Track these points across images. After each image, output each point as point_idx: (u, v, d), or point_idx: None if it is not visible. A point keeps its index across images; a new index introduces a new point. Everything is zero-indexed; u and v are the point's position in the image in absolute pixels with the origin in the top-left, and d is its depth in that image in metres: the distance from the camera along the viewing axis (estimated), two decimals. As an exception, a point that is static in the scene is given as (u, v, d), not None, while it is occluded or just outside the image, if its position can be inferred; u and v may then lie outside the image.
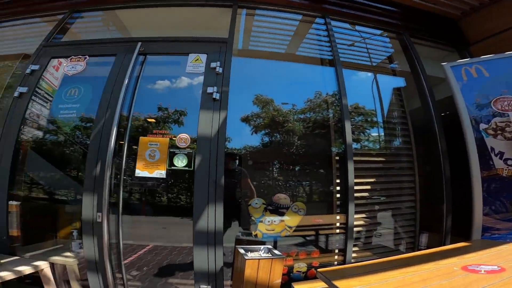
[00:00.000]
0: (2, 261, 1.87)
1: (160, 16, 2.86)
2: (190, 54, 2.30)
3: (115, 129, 2.04)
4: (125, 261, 2.21)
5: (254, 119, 2.78)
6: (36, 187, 2.64)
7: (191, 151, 2.13)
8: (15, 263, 1.91)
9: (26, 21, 3.04)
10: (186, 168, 2.13)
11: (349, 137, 2.36)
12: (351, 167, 2.32)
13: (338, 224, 2.42)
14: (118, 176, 2.11)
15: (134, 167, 2.09)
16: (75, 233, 2.20)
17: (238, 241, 2.28)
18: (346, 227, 2.28)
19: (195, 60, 2.30)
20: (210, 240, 2.05)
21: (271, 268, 1.80)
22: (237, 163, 2.68)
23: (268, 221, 2.38)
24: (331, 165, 2.59)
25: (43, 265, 1.96)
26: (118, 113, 2.08)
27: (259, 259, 1.81)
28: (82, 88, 2.42)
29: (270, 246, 2.01)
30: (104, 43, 2.48)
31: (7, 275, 1.73)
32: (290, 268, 2.25)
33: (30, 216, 2.41)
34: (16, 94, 2.30)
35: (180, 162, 2.14)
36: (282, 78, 2.92)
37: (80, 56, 2.39)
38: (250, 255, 1.85)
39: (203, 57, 2.29)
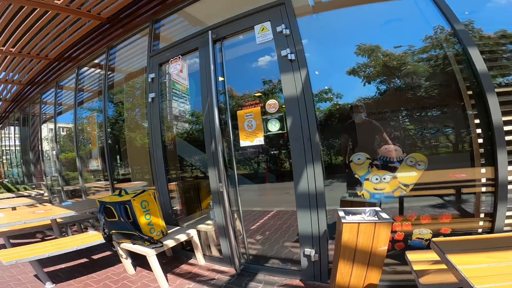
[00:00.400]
0: (169, 231, 2.66)
1: (219, 1, 2.91)
2: (255, 26, 2.34)
3: (216, 110, 2.41)
4: (248, 227, 2.65)
5: (363, 69, 2.42)
6: (183, 168, 3.48)
7: (282, 114, 2.28)
8: (176, 232, 2.67)
9: (131, 40, 3.80)
10: (280, 132, 2.30)
11: (479, 65, 1.75)
12: (493, 101, 1.64)
13: (483, 181, 1.84)
14: (229, 149, 2.53)
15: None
16: (211, 203, 2.77)
17: (343, 203, 2.16)
18: (495, 184, 1.73)
19: (262, 30, 2.31)
20: (312, 202, 2.09)
21: (375, 233, 1.58)
22: (362, 116, 2.31)
23: (376, 179, 2.07)
24: (465, 104, 1.94)
25: (192, 233, 2.68)
26: (215, 98, 2.42)
27: (359, 222, 1.61)
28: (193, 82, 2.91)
29: (378, 209, 1.77)
30: (186, 40, 2.81)
31: (170, 243, 2.47)
32: (408, 235, 1.98)
33: (184, 192, 3.30)
34: (149, 99, 3.03)
35: (273, 127, 2.35)
36: (375, 21, 2.37)
37: (176, 57, 2.81)
38: (350, 218, 1.69)
39: (267, 24, 2.29)
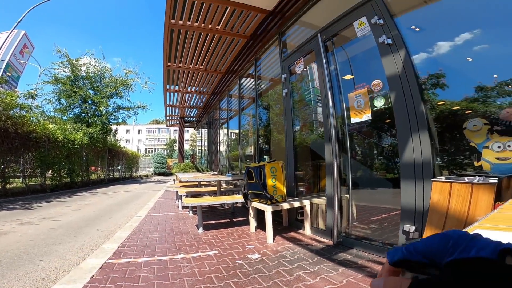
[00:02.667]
0: (288, 199, 3.27)
1: (323, 6, 3.36)
2: (354, 23, 2.69)
3: (330, 95, 2.94)
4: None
5: None
6: (304, 158, 4.13)
7: (386, 91, 2.49)
8: (293, 200, 3.26)
9: (269, 51, 4.89)
10: (385, 106, 2.53)
11: None
12: None
13: None
14: (342, 125, 2.95)
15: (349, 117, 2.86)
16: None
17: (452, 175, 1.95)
18: None
19: (360, 25, 2.64)
20: (418, 173, 2.07)
21: (471, 197, 1.34)
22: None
23: (499, 146, 1.79)
24: None
25: (306, 203, 3.20)
26: (328, 86, 2.96)
27: (451, 182, 1.42)
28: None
29: (493, 179, 1.53)
30: (304, 45, 3.48)
31: (286, 205, 3.12)
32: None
33: (307, 171, 3.99)
34: (283, 94, 3.93)
35: (378, 103, 2.60)
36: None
37: (299, 59, 3.55)
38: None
39: (364, 19, 2.59)
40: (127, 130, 48.58)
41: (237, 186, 5.67)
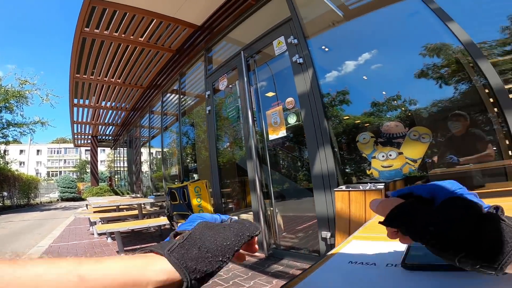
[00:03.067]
0: None
1: (245, 26, 3.59)
2: (273, 42, 2.93)
3: (249, 112, 3.05)
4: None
5: (436, 71, 2.19)
6: (229, 175, 4.17)
7: (298, 109, 2.69)
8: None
9: (195, 67, 4.86)
10: (297, 123, 2.71)
11: None
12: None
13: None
14: (262, 143, 3.07)
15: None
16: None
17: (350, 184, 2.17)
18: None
19: (278, 44, 2.88)
20: (326, 184, 2.26)
21: (366, 202, 1.56)
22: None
23: (383, 156, 2.11)
24: None
25: (233, 219, 3.21)
26: (248, 103, 3.06)
27: (349, 191, 1.63)
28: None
29: (380, 184, 1.82)
30: (228, 62, 3.59)
31: None
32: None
33: (233, 188, 4.01)
34: (207, 111, 3.90)
35: (292, 120, 2.79)
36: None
37: (223, 76, 3.63)
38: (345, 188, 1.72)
39: (282, 38, 2.84)
40: (21, 151, 39.97)
41: (163, 207, 5.24)
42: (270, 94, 3.24)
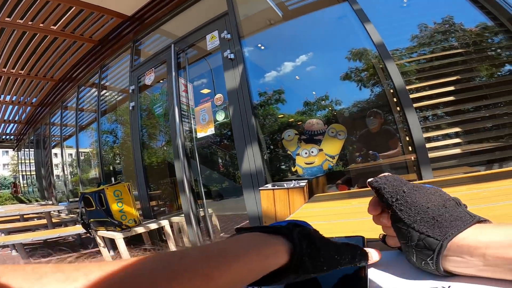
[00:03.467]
0: (143, 222, 2.91)
1: (181, 18, 3.43)
2: (206, 36, 2.85)
3: (176, 110, 2.86)
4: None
5: (357, 74, 2.43)
6: (159, 175, 3.88)
7: (226, 105, 2.64)
8: (149, 223, 2.88)
9: (119, 59, 4.41)
10: (225, 120, 2.66)
11: None
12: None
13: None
14: (190, 141, 2.92)
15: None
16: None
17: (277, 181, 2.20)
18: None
19: (212, 38, 2.81)
20: (254, 183, 2.26)
21: (289, 199, 1.59)
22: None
23: (305, 153, 2.18)
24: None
25: (164, 223, 2.90)
26: (176, 100, 2.88)
27: (273, 189, 1.67)
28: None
29: (303, 181, 1.85)
30: (157, 55, 3.35)
31: (140, 229, 2.75)
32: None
33: (163, 190, 3.73)
34: (130, 107, 3.55)
35: (220, 117, 2.73)
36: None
37: (150, 70, 3.37)
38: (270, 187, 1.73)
39: (216, 33, 2.78)
40: None
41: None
42: (206, 91, 3.15)
